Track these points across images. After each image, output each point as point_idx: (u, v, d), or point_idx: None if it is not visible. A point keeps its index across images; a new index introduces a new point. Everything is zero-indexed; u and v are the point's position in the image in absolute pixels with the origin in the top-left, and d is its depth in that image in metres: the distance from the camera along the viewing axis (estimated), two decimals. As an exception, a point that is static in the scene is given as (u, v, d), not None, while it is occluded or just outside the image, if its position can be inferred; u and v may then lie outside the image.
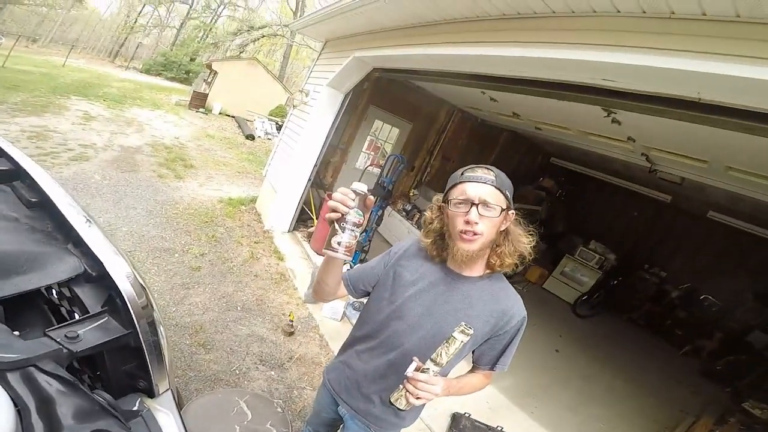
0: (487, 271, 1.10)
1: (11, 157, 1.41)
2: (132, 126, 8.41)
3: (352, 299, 3.43)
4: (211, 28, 30.64)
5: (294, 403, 2.42)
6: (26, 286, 0.94)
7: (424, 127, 6.34)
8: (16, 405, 0.67)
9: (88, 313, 1.02)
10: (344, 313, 3.52)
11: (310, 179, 4.89)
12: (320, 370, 2.76)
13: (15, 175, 1.37)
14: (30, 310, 1.06)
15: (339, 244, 0.89)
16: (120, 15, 36.87)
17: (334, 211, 0.91)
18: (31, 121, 6.16)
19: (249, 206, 5.62)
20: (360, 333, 1.22)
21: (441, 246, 1.10)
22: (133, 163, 5.83)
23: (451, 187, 1.04)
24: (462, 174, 1.03)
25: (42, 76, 11.25)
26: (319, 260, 4.37)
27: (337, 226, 0.90)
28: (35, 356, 0.76)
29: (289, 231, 5.07)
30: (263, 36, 27.28)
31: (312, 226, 5.07)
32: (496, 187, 0.99)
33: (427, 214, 1.14)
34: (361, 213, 0.91)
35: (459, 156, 6.81)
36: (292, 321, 3.10)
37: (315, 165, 4.82)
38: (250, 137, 12.06)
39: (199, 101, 14.30)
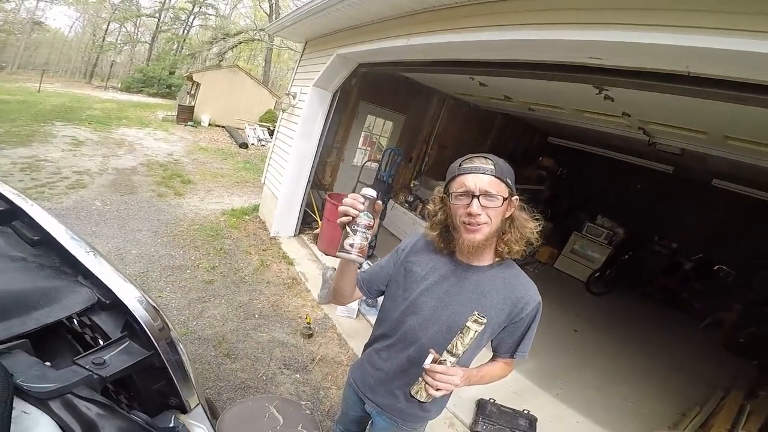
0: (497, 259, 1.08)
1: (5, 197, 1.42)
2: (122, 147, 8.35)
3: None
4: (184, 39, 29.77)
5: (321, 403, 2.44)
6: (46, 319, 0.96)
7: (417, 118, 6.30)
8: (63, 430, 0.67)
9: (110, 339, 1.06)
10: (359, 311, 3.54)
11: (309, 181, 4.87)
12: (343, 368, 2.78)
13: (12, 214, 1.39)
14: (56, 340, 1.08)
15: (351, 246, 0.91)
16: (85, 35, 35.36)
17: (345, 215, 0.92)
18: (19, 152, 6.10)
19: (252, 215, 5.62)
20: (378, 332, 1.23)
21: (447, 238, 1.09)
22: (130, 185, 5.81)
23: (451, 180, 1.02)
24: (460, 165, 1.01)
25: (19, 104, 11.01)
26: (328, 260, 4.37)
27: (348, 229, 0.92)
28: (70, 384, 0.78)
29: (295, 235, 5.07)
30: (240, 42, 26.73)
31: (317, 228, 5.07)
32: (496, 177, 0.97)
33: (430, 206, 1.13)
34: (371, 216, 0.92)
35: (455, 143, 6.77)
36: (309, 323, 3.11)
37: (312, 166, 4.80)
38: (244, 146, 12.02)
39: (186, 114, 14.07)
